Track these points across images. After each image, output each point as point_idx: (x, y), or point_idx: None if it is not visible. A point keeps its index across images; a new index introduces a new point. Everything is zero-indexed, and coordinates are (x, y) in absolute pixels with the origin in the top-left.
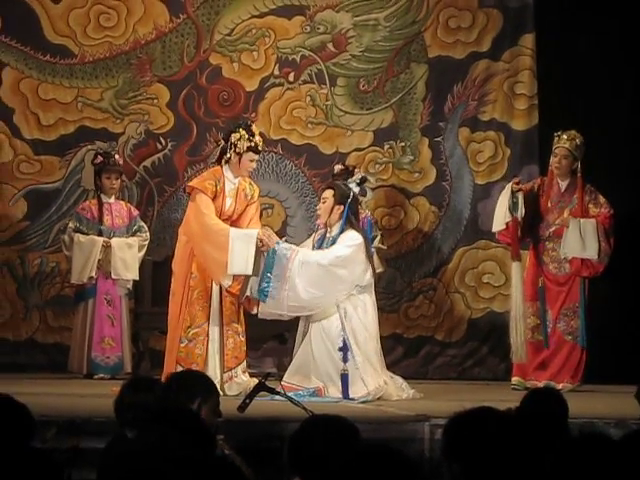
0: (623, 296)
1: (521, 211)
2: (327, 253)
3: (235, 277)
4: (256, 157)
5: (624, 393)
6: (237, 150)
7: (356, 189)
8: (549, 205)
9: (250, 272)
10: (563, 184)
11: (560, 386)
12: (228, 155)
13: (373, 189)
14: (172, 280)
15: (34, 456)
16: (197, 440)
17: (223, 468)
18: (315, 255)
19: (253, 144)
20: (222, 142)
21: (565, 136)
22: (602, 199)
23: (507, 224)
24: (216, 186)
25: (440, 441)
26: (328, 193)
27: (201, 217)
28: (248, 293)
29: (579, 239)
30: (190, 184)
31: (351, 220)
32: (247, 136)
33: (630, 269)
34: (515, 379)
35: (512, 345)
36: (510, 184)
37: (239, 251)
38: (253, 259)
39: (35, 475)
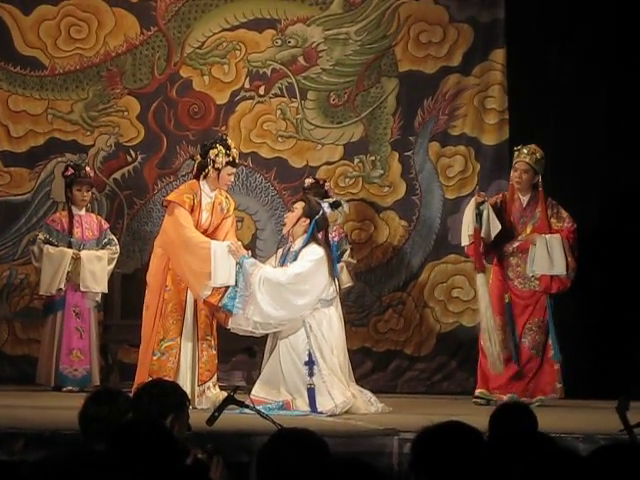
0: (590, 311)
1: (492, 223)
2: (287, 270)
3: (215, 288)
4: (234, 170)
5: (594, 408)
6: (216, 166)
7: (327, 209)
8: (512, 220)
9: (233, 283)
10: (524, 199)
11: (533, 400)
12: (207, 171)
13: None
14: (146, 292)
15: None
16: (165, 453)
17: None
18: (276, 273)
19: (231, 158)
20: (198, 157)
21: (525, 150)
22: (564, 213)
23: (469, 236)
24: (193, 200)
25: (408, 455)
26: (299, 205)
27: (181, 230)
28: (219, 304)
29: (547, 256)
30: (168, 198)
31: (315, 236)
32: (224, 151)
33: (596, 284)
34: (479, 391)
35: (489, 356)
36: (474, 197)
37: (221, 263)
38: (234, 270)
39: None
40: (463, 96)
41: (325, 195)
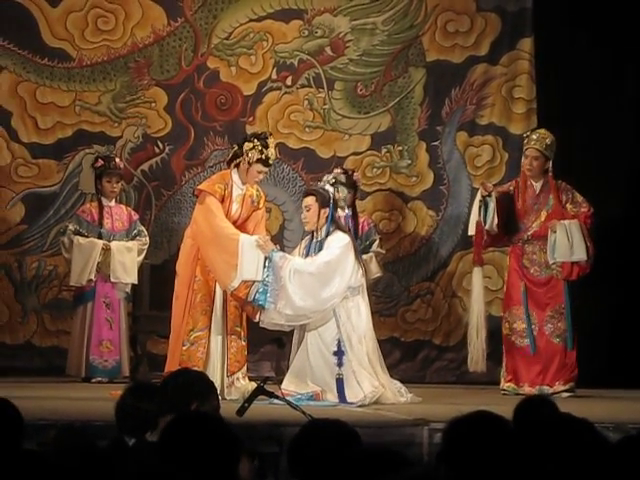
0: (609, 299)
1: (491, 217)
2: (316, 260)
3: (242, 282)
4: (265, 169)
5: (618, 398)
6: (248, 159)
7: (332, 190)
8: (525, 208)
9: (260, 278)
10: (537, 185)
11: (552, 390)
12: (238, 160)
13: (370, 193)
14: (176, 282)
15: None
16: (222, 449)
17: None
18: (305, 263)
19: (264, 157)
20: (236, 147)
21: (534, 136)
22: (579, 197)
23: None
24: (224, 190)
25: (438, 445)
26: (310, 200)
27: (212, 219)
28: (249, 299)
29: (567, 243)
30: (199, 187)
31: (337, 221)
32: (260, 147)
33: (615, 272)
34: (507, 385)
35: (472, 352)
36: (480, 189)
37: (249, 257)
38: (263, 265)
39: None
40: (491, 85)
41: (354, 185)
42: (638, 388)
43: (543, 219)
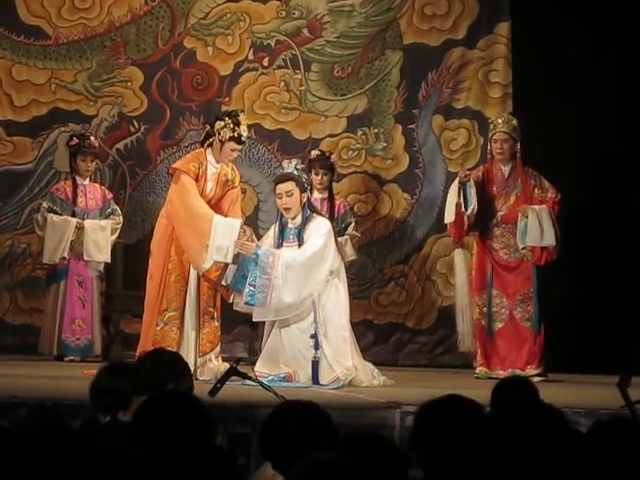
0: (578, 284)
1: (473, 201)
2: (306, 251)
3: (215, 263)
4: (238, 147)
5: (586, 382)
6: (219, 138)
7: (304, 174)
8: (494, 192)
9: (230, 260)
10: (506, 169)
11: (525, 374)
12: (211, 140)
13: (345, 175)
14: (150, 262)
15: None
16: (197, 426)
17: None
18: (295, 256)
19: (236, 134)
20: (208, 126)
21: (500, 120)
22: (547, 183)
23: (456, 216)
24: (199, 169)
25: (410, 428)
26: (291, 185)
27: (187, 197)
28: (224, 282)
29: (538, 227)
30: (174, 166)
31: (313, 206)
32: (231, 125)
33: (582, 256)
34: (479, 369)
35: (459, 334)
36: (458, 175)
37: (221, 239)
38: (234, 248)
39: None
40: (467, 69)
41: (331, 167)
42: (603, 373)
43: (512, 202)
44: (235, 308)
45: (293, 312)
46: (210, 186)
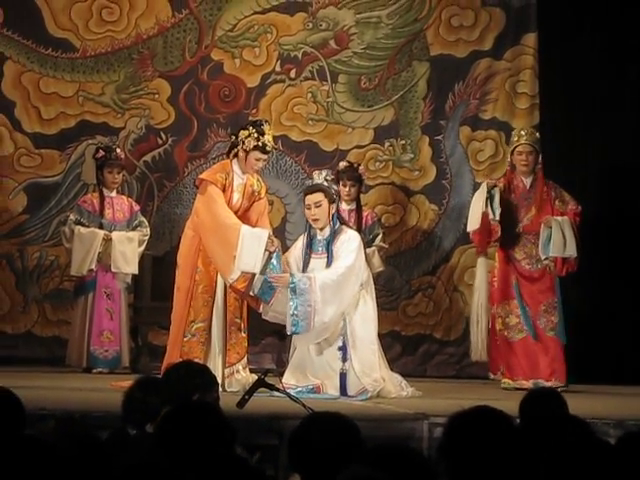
0: (595, 297)
1: (496, 207)
2: (338, 267)
3: (242, 274)
4: (263, 157)
5: (611, 393)
6: (244, 147)
7: (334, 185)
8: (516, 203)
9: (258, 271)
10: (527, 181)
11: (549, 384)
12: (236, 150)
13: (373, 186)
14: (177, 273)
15: (29, 444)
16: (218, 437)
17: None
18: (330, 274)
19: (260, 143)
20: (233, 137)
21: (523, 132)
22: (567, 196)
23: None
24: (225, 179)
25: (438, 440)
26: (320, 196)
27: (214, 207)
28: (251, 292)
29: (561, 239)
30: (201, 176)
31: (342, 218)
32: (256, 135)
33: (600, 269)
34: (504, 380)
35: (472, 343)
36: (485, 182)
37: (249, 249)
38: (262, 259)
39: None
40: (494, 80)
41: (359, 179)
42: (624, 383)
43: (533, 213)
44: (264, 317)
45: (331, 330)
46: (237, 197)
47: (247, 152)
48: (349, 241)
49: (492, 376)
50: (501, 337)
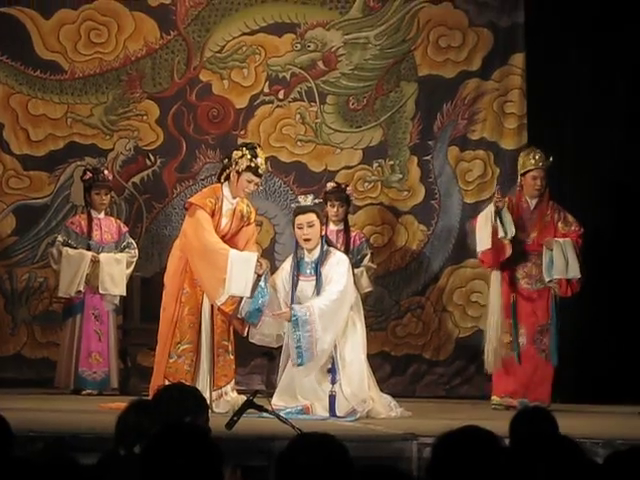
0: (593, 316)
1: (508, 225)
2: (332, 293)
3: (230, 297)
4: (255, 179)
5: (599, 413)
6: (237, 168)
7: (320, 207)
8: (519, 223)
9: (248, 295)
10: (532, 202)
11: (533, 403)
12: (228, 172)
13: (361, 207)
14: (163, 295)
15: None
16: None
17: None
18: (325, 302)
19: (253, 164)
20: (226, 160)
21: (537, 156)
22: (570, 217)
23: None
24: (215, 204)
25: (427, 460)
26: (313, 216)
27: (202, 232)
28: (238, 315)
29: (563, 261)
30: (190, 200)
31: (329, 240)
32: (249, 156)
33: (600, 288)
34: (493, 398)
35: (487, 353)
36: (492, 204)
37: (238, 273)
38: (252, 282)
39: None
40: (482, 100)
41: (347, 199)
42: (613, 403)
43: (536, 234)
44: (251, 340)
45: (328, 354)
46: (225, 222)
47: (239, 173)
48: (338, 264)
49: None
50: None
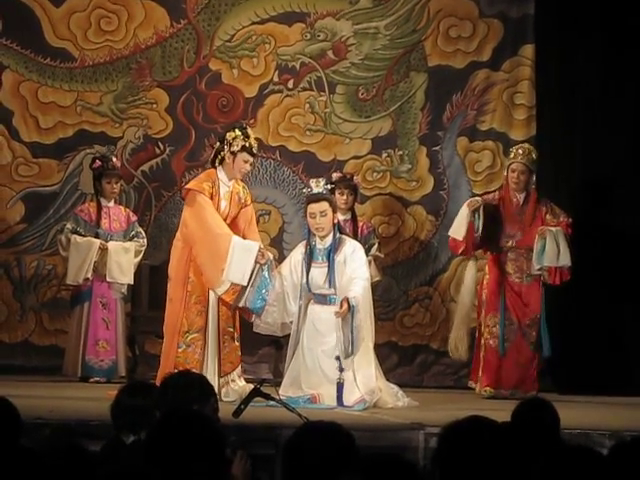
0: (582, 307)
1: (478, 226)
2: (362, 282)
3: (231, 286)
4: (250, 159)
5: (602, 403)
6: (232, 149)
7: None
8: (509, 217)
9: (246, 283)
10: (520, 197)
11: (523, 394)
12: (222, 154)
13: (370, 197)
14: (169, 286)
15: (24, 454)
16: (209, 445)
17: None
18: (362, 293)
19: (248, 144)
20: (217, 144)
21: (521, 151)
22: (557, 209)
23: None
24: (212, 188)
25: (434, 450)
26: (326, 205)
27: (205, 216)
28: (242, 304)
29: (555, 249)
30: (187, 187)
31: (342, 228)
32: (242, 136)
33: (596, 278)
34: (486, 389)
35: (452, 341)
36: (469, 202)
37: (238, 260)
38: (251, 271)
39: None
40: (492, 91)
41: (355, 188)
42: (614, 394)
43: (526, 229)
44: (255, 330)
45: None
46: (224, 204)
47: (234, 154)
48: (356, 252)
49: (473, 385)
50: (488, 346)
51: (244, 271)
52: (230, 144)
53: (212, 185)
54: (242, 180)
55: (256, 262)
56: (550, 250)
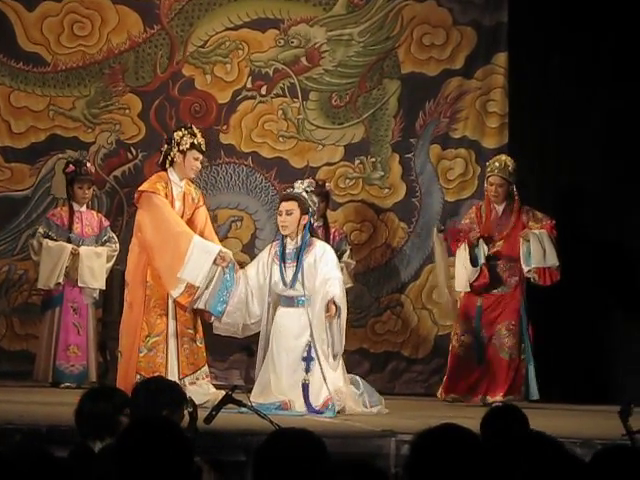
0: (561, 314)
1: (480, 257)
2: (336, 281)
3: (186, 289)
4: (200, 156)
5: (576, 411)
6: (180, 148)
7: (312, 196)
8: (488, 228)
9: (199, 284)
10: (500, 208)
11: (492, 400)
12: (172, 155)
13: (342, 204)
14: (126, 292)
15: None
16: (175, 452)
17: None
18: (341, 296)
19: (196, 142)
20: (165, 147)
21: (497, 164)
22: (539, 214)
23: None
24: (165, 188)
25: (405, 457)
26: (293, 204)
27: (163, 215)
28: (201, 306)
29: (540, 250)
30: (140, 189)
31: (314, 231)
32: (189, 135)
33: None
34: (451, 396)
35: (445, 307)
36: (465, 244)
37: (196, 260)
38: (206, 274)
39: None
40: (465, 99)
41: (326, 195)
42: (586, 403)
43: (505, 239)
44: (215, 331)
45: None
46: (178, 205)
47: (184, 153)
48: (326, 253)
49: (443, 396)
50: (455, 354)
51: (199, 272)
52: (178, 144)
53: (165, 186)
54: (193, 181)
55: (216, 265)
56: (535, 251)
